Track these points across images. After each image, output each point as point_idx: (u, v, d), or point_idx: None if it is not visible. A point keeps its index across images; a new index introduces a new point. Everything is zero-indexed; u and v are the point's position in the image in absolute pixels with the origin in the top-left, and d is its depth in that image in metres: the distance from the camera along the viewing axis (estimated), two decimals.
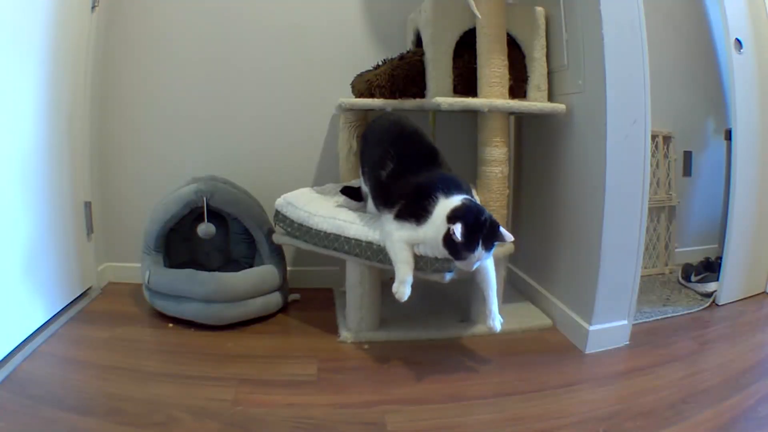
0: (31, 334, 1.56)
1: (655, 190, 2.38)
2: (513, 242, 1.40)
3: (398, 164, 1.45)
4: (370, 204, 1.59)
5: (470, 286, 1.76)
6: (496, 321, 1.42)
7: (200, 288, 1.68)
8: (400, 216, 1.39)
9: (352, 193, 1.69)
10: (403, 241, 1.39)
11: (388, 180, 1.46)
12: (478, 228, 1.27)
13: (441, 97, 1.61)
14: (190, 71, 2.05)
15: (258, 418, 1.22)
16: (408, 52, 1.85)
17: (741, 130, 1.92)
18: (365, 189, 1.62)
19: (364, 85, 1.85)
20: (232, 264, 1.99)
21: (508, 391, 1.36)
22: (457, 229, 1.23)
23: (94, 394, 1.30)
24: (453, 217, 1.28)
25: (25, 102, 1.58)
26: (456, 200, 1.32)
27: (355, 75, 1.99)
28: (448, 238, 1.27)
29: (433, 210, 1.33)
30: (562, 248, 1.77)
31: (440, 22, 1.67)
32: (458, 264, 1.33)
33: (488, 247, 1.30)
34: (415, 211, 1.35)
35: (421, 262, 1.42)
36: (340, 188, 1.73)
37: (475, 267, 1.33)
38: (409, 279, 1.38)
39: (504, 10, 1.64)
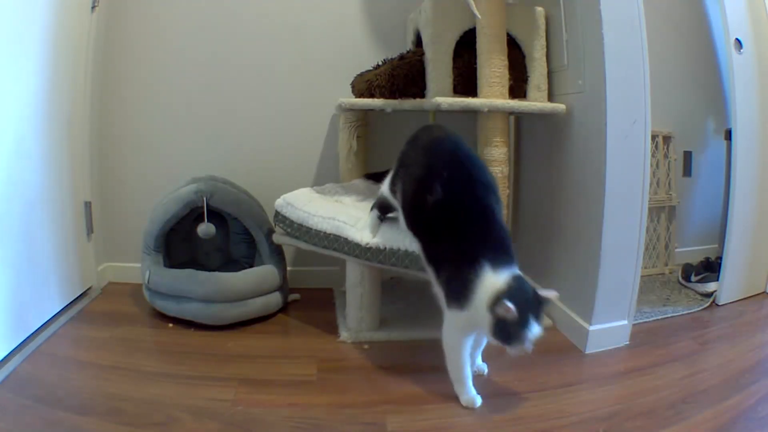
0: (31, 334, 1.56)
1: (655, 190, 2.38)
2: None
3: (448, 193, 1.25)
4: (402, 223, 1.41)
5: None
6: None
7: (200, 288, 1.68)
8: (451, 298, 1.23)
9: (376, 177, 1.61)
10: (464, 346, 1.27)
11: (432, 210, 1.27)
12: (528, 307, 1.13)
13: (441, 97, 1.61)
14: (190, 71, 2.05)
15: (258, 418, 1.22)
16: (408, 52, 1.85)
17: (741, 130, 1.92)
18: (393, 201, 1.45)
19: (364, 85, 1.85)
20: (232, 264, 1.99)
21: (508, 391, 1.36)
22: (510, 315, 1.10)
23: (94, 394, 1.30)
24: (497, 305, 1.12)
25: (25, 102, 1.58)
26: (501, 279, 1.16)
27: (355, 75, 1.98)
28: (497, 329, 1.13)
29: (476, 288, 1.16)
30: (562, 248, 1.77)
31: (440, 22, 1.67)
32: (515, 350, 1.14)
33: (540, 319, 1.15)
34: (460, 291, 1.19)
35: (421, 261, 1.42)
36: (361, 178, 1.68)
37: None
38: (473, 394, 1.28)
39: (504, 10, 1.64)
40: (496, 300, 1.12)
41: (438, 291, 1.30)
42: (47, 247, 1.70)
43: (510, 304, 1.08)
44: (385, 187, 1.48)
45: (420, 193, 1.30)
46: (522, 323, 1.11)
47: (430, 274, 1.32)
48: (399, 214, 1.43)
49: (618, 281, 1.58)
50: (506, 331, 1.12)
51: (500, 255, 1.19)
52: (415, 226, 1.35)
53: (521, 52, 1.75)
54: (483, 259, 1.17)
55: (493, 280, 1.16)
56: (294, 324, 1.79)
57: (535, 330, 1.13)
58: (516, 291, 1.13)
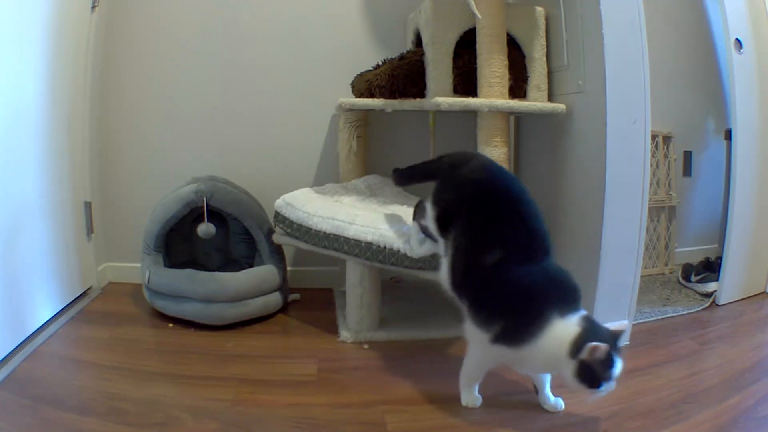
0: (31, 334, 1.56)
1: (655, 190, 2.38)
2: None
3: (509, 252, 1.16)
4: (445, 268, 1.27)
5: None
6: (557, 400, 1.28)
7: (200, 288, 1.68)
8: (500, 340, 1.15)
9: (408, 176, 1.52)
10: (491, 365, 1.25)
11: (490, 269, 1.16)
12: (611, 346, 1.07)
13: (441, 97, 1.61)
14: (190, 71, 2.05)
15: (258, 418, 1.22)
16: (408, 52, 1.85)
17: (741, 130, 1.92)
18: (438, 238, 1.31)
19: (364, 85, 1.85)
20: (232, 264, 1.99)
21: (508, 391, 1.36)
22: (602, 354, 1.05)
23: (94, 394, 1.30)
24: (579, 350, 1.06)
25: (25, 102, 1.58)
26: (572, 324, 1.10)
27: (355, 75, 1.98)
28: (583, 374, 1.07)
29: (543, 332, 1.10)
30: (562, 248, 1.77)
31: (440, 22, 1.66)
32: (597, 394, 1.10)
33: (620, 354, 1.10)
34: (521, 335, 1.12)
35: (421, 260, 1.42)
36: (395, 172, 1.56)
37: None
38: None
39: (504, 10, 1.64)
40: (579, 346, 1.06)
41: (476, 322, 1.19)
42: (47, 247, 1.70)
43: (601, 344, 1.04)
44: (430, 221, 1.32)
45: (475, 251, 1.19)
46: (607, 362, 1.06)
47: (469, 312, 1.21)
48: (442, 255, 1.29)
49: (618, 281, 1.58)
50: (592, 373, 1.06)
51: (566, 301, 1.13)
52: (464, 285, 1.22)
53: (521, 52, 1.75)
54: (549, 312, 1.11)
55: (564, 327, 1.10)
56: (294, 324, 1.79)
57: (619, 366, 1.08)
58: (593, 332, 1.08)
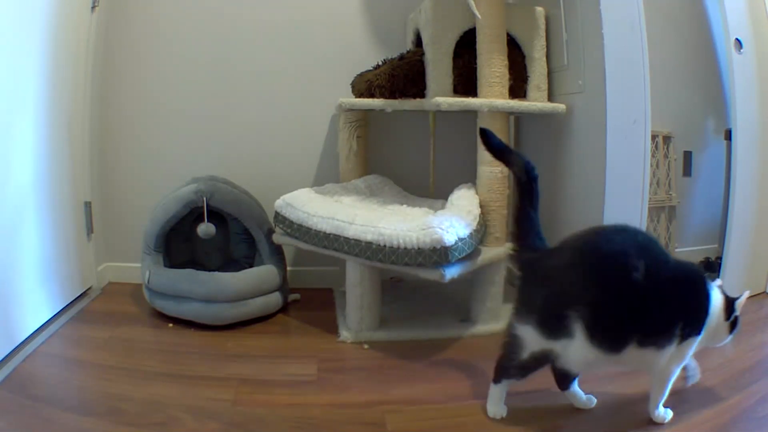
0: (31, 334, 1.56)
1: (655, 190, 2.38)
2: None
3: (647, 268, 1.08)
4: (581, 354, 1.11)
5: (470, 286, 1.76)
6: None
7: (200, 288, 1.68)
8: (692, 334, 1.14)
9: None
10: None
11: (643, 290, 1.08)
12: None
13: (441, 97, 1.61)
14: (190, 71, 2.05)
15: (258, 418, 1.22)
16: (408, 52, 1.85)
17: (741, 130, 1.92)
18: (553, 345, 1.13)
19: (364, 85, 1.85)
20: (232, 264, 1.99)
21: (507, 391, 1.36)
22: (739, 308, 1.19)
23: (94, 394, 1.30)
24: (731, 309, 1.18)
25: (25, 102, 1.58)
26: (717, 293, 1.18)
27: (355, 75, 1.98)
28: (735, 323, 1.19)
29: (710, 315, 1.16)
30: None
31: (440, 22, 1.67)
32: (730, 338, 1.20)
33: None
34: (701, 323, 1.15)
35: (420, 258, 1.42)
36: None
37: None
38: None
39: (504, 10, 1.64)
40: (730, 308, 1.18)
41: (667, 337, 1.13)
42: (47, 247, 1.70)
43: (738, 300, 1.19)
44: (535, 338, 1.13)
45: (626, 295, 1.09)
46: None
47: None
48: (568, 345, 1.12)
49: None
50: (736, 324, 1.20)
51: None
52: (635, 329, 1.10)
53: (521, 52, 1.75)
54: (709, 286, 1.18)
55: (716, 298, 1.18)
56: (294, 324, 1.79)
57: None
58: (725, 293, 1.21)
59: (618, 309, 1.08)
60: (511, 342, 1.17)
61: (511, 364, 1.18)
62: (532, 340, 1.14)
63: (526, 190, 1.20)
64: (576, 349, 1.10)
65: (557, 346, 1.12)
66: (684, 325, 1.12)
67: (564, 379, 1.25)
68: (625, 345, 1.10)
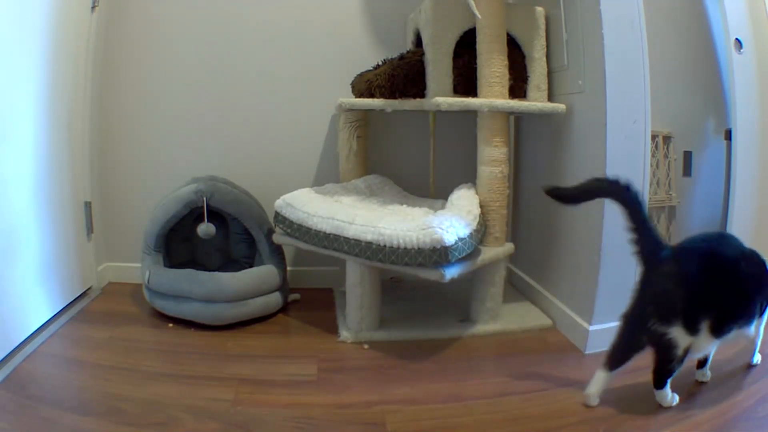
0: (31, 334, 1.56)
1: (655, 190, 2.38)
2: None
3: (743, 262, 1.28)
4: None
5: (470, 286, 1.76)
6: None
7: (200, 288, 1.68)
8: (765, 310, 1.38)
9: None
10: None
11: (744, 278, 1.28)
12: None
13: (441, 97, 1.61)
14: (190, 71, 2.05)
15: (258, 418, 1.22)
16: (408, 52, 1.85)
17: (741, 130, 1.92)
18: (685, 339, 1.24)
19: (364, 85, 1.85)
20: (232, 264, 1.99)
21: (508, 391, 1.36)
22: None
23: (94, 394, 1.30)
24: None
25: (25, 102, 1.58)
26: None
27: (355, 75, 1.99)
28: None
29: None
30: (562, 248, 1.77)
31: (440, 22, 1.67)
32: None
33: None
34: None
35: (420, 258, 1.42)
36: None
37: None
38: None
39: (504, 10, 1.64)
40: None
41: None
42: (47, 247, 1.70)
43: None
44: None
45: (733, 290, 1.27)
46: None
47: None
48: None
49: (618, 281, 1.57)
50: None
51: None
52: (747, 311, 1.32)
53: (521, 52, 1.75)
54: None
55: None
56: (294, 324, 1.79)
57: None
58: None
59: (737, 306, 1.27)
60: (660, 342, 1.25)
61: (669, 365, 1.26)
62: (680, 337, 1.23)
63: (628, 200, 1.28)
64: (702, 340, 1.25)
65: (694, 340, 1.25)
66: (764, 300, 1.34)
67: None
68: (732, 330, 1.28)
